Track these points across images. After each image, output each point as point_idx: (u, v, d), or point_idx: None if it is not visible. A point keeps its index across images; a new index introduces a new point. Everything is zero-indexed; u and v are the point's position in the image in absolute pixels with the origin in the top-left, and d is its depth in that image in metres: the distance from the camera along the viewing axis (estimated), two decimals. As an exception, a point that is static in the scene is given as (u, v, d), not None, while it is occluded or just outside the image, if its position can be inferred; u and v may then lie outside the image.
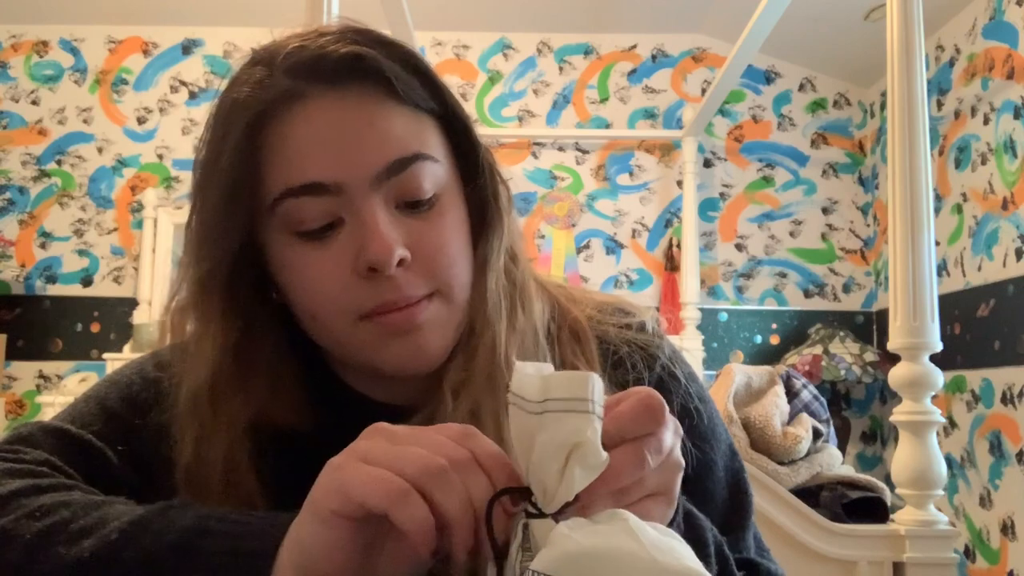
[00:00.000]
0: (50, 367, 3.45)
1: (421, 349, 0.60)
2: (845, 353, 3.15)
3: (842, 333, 3.27)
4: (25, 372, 3.44)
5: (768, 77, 3.71)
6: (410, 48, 0.62)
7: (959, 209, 3.01)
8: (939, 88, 3.16)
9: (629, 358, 0.68)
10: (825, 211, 3.65)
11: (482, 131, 0.66)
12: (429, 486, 0.41)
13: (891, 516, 1.62)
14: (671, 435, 0.45)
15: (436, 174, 0.60)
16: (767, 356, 3.51)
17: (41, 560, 0.46)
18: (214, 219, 0.59)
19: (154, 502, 0.50)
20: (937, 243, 2.74)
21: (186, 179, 3.60)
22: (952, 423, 2.97)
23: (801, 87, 3.72)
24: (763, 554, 0.71)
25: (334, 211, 0.58)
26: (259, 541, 0.45)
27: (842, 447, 3.06)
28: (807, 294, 3.62)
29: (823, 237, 3.64)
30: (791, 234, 3.64)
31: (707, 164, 3.67)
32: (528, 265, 0.69)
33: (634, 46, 3.75)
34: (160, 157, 3.62)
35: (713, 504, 0.68)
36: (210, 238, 0.60)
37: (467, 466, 0.42)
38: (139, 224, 3.54)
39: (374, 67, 0.59)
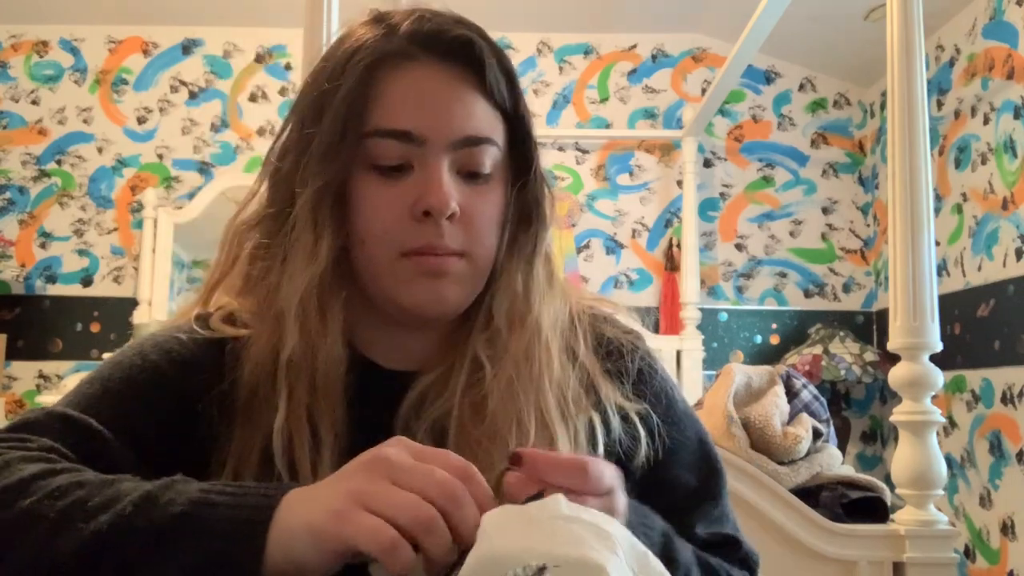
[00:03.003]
0: (50, 367, 3.45)
1: (442, 295, 0.68)
2: (845, 353, 3.15)
3: (842, 333, 3.27)
4: (25, 372, 3.44)
5: (768, 77, 3.71)
6: (506, 54, 0.72)
7: (959, 209, 3.01)
8: (939, 88, 3.16)
9: (619, 349, 0.77)
10: (825, 211, 3.65)
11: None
12: (419, 535, 0.48)
13: (891, 516, 1.62)
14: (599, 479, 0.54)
15: (495, 159, 0.71)
16: (767, 356, 3.52)
17: (64, 535, 0.51)
18: (330, 139, 0.67)
19: (158, 474, 0.55)
20: (937, 243, 2.74)
21: (186, 179, 3.61)
22: (952, 423, 2.97)
23: (801, 87, 3.72)
24: (738, 531, 0.78)
25: (409, 158, 0.67)
26: (256, 511, 0.51)
27: (842, 447, 3.06)
28: (807, 294, 3.62)
29: (823, 237, 3.64)
30: (791, 234, 3.64)
31: (707, 164, 3.68)
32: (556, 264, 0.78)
33: (634, 46, 3.75)
34: (160, 157, 3.62)
35: (693, 473, 0.77)
36: (327, 155, 0.68)
37: (462, 502, 0.49)
38: (139, 224, 3.54)
39: (477, 55, 0.69)
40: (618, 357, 0.76)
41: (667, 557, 0.63)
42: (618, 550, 0.46)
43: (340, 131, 0.67)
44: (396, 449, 0.52)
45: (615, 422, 0.72)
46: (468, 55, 0.69)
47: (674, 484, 0.75)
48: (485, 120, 0.70)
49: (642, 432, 0.73)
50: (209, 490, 0.53)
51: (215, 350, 0.70)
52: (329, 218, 0.68)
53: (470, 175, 0.69)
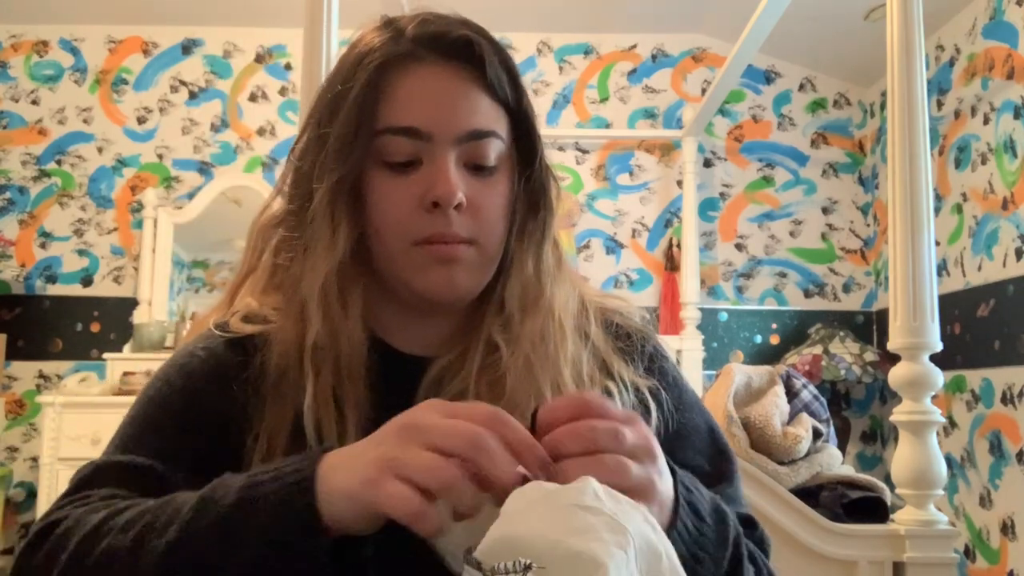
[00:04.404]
0: (50, 367, 3.45)
1: (453, 281, 0.73)
2: (845, 353, 3.15)
3: (842, 333, 3.27)
4: (25, 372, 3.44)
5: (768, 77, 3.71)
6: (507, 52, 0.76)
7: (959, 209, 3.01)
8: (939, 88, 3.16)
9: (629, 335, 0.82)
10: (825, 211, 3.65)
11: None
12: (449, 496, 0.52)
13: (891, 516, 1.62)
14: (626, 430, 0.56)
15: (500, 152, 0.74)
16: (767, 356, 3.52)
17: (143, 557, 0.56)
18: (345, 137, 0.72)
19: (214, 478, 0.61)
20: (937, 243, 2.74)
21: (186, 179, 3.61)
22: (952, 423, 2.97)
23: (801, 87, 3.72)
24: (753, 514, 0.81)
25: (417, 153, 0.72)
26: (299, 472, 0.56)
27: (842, 447, 3.06)
28: (807, 294, 3.62)
29: (823, 237, 3.64)
30: (791, 234, 3.64)
31: (707, 164, 3.68)
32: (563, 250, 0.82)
33: (634, 46, 3.75)
34: (160, 157, 3.62)
35: (705, 458, 0.80)
36: (342, 152, 0.72)
37: (486, 449, 0.52)
38: (139, 224, 3.54)
39: (478, 54, 0.73)
40: (629, 341, 0.81)
41: (721, 518, 0.65)
42: (628, 548, 0.46)
43: (353, 129, 0.72)
44: (425, 411, 0.55)
45: (628, 397, 0.76)
46: (470, 54, 0.73)
47: (687, 468, 0.76)
48: (489, 115, 0.74)
49: (653, 407, 0.76)
50: (254, 475, 0.57)
51: (238, 350, 0.74)
52: (345, 211, 0.73)
53: (476, 167, 0.73)
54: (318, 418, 0.69)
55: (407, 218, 0.71)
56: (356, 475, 0.54)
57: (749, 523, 0.76)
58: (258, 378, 0.72)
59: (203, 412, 0.72)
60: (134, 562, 0.56)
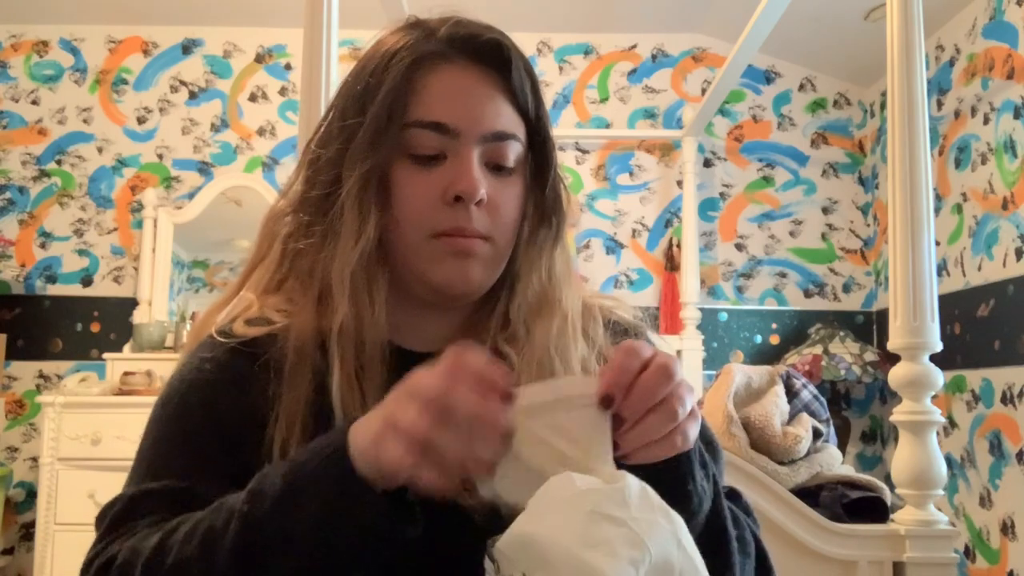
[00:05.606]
0: (50, 367, 3.45)
1: (467, 274, 0.76)
2: (845, 353, 3.15)
3: (842, 333, 3.27)
4: (25, 372, 3.44)
5: (768, 77, 3.71)
6: (530, 62, 0.81)
7: (959, 209, 3.01)
8: (939, 88, 3.16)
9: (626, 331, 0.86)
10: (825, 211, 3.65)
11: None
12: (433, 450, 0.55)
13: (891, 516, 1.62)
14: (687, 389, 0.61)
15: (518, 155, 0.78)
16: (767, 356, 3.51)
17: (213, 557, 0.59)
18: (375, 128, 0.75)
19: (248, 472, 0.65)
20: (937, 243, 2.74)
21: (186, 179, 3.60)
22: (952, 423, 2.97)
23: (801, 87, 3.72)
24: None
25: (443, 148, 0.75)
26: (331, 444, 0.60)
27: (842, 447, 3.06)
28: (807, 294, 3.62)
29: (823, 237, 3.64)
30: (791, 234, 3.64)
31: (707, 164, 3.67)
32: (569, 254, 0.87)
33: (634, 46, 3.75)
34: (160, 157, 3.62)
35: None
36: (372, 143, 0.75)
37: (458, 401, 0.56)
38: (139, 224, 3.54)
39: (506, 58, 0.77)
40: (625, 336, 0.85)
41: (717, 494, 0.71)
42: (641, 566, 0.47)
43: (384, 120, 0.74)
44: (419, 374, 0.59)
45: None
46: (498, 59, 0.77)
47: None
48: (511, 119, 0.78)
49: None
50: (291, 460, 0.62)
51: (244, 354, 0.75)
52: (374, 200, 0.75)
53: (496, 167, 0.77)
54: (341, 399, 0.71)
55: (428, 210, 0.74)
56: (368, 435, 0.58)
57: (734, 494, 0.81)
58: (271, 372, 0.74)
59: (225, 425, 0.73)
60: (208, 565, 0.59)
